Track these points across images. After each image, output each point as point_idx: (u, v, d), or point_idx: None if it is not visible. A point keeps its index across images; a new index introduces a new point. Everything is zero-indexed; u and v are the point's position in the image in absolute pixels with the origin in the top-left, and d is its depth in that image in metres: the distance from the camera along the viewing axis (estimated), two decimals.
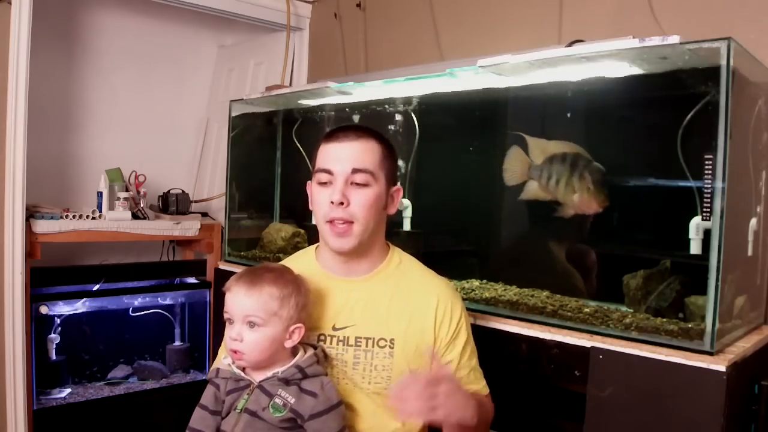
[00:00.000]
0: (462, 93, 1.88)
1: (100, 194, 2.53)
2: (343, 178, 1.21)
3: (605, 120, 1.70)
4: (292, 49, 2.94)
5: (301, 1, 2.94)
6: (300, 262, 1.34)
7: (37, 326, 2.40)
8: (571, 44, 1.58)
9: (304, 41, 2.99)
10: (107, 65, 2.98)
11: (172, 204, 2.79)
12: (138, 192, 2.69)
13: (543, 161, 1.64)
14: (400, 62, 2.37)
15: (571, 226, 1.64)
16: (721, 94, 1.20)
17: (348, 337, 1.25)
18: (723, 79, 1.20)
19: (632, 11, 1.82)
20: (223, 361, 1.21)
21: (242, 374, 1.18)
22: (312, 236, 2.29)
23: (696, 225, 1.37)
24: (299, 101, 2.38)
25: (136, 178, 2.74)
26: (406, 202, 1.99)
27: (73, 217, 2.39)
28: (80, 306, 2.56)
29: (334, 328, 1.26)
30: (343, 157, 1.22)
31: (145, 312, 2.76)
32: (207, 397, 1.19)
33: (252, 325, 1.15)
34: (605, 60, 1.44)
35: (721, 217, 1.22)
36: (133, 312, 2.73)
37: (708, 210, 1.33)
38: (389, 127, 2.15)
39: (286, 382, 1.15)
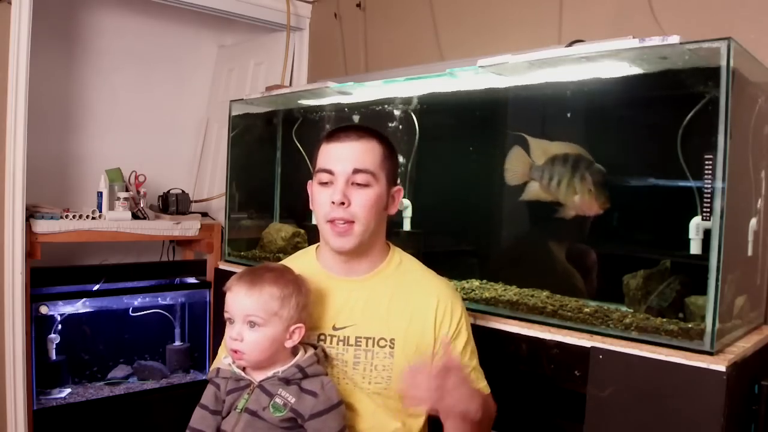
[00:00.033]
0: (462, 93, 1.88)
1: (100, 194, 2.53)
2: (344, 178, 1.21)
3: (605, 120, 1.70)
4: (292, 49, 2.94)
5: (301, 1, 2.94)
6: (300, 261, 1.34)
7: (37, 326, 2.40)
8: (571, 44, 1.58)
9: (304, 41, 2.99)
10: (107, 65, 2.98)
11: (172, 204, 2.79)
12: (138, 192, 2.69)
13: (545, 162, 1.64)
14: (400, 62, 2.37)
15: (571, 226, 1.64)
16: (721, 94, 1.20)
17: (348, 337, 1.25)
18: (723, 79, 1.20)
19: (632, 11, 1.82)
20: (223, 360, 1.21)
21: (242, 374, 1.18)
22: (312, 236, 2.29)
23: (696, 225, 1.37)
24: (299, 101, 2.38)
25: (136, 178, 2.74)
26: (406, 202, 1.99)
27: (73, 217, 2.39)
28: (80, 306, 2.56)
29: (334, 328, 1.26)
30: (344, 157, 1.22)
31: (145, 312, 2.76)
32: (207, 396, 1.19)
33: (252, 324, 1.15)
34: (605, 60, 1.44)
35: (721, 217, 1.22)
36: (133, 312, 2.73)
37: (708, 210, 1.33)
38: (389, 126, 2.15)
39: (286, 381, 1.15)
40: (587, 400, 1.33)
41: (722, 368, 1.17)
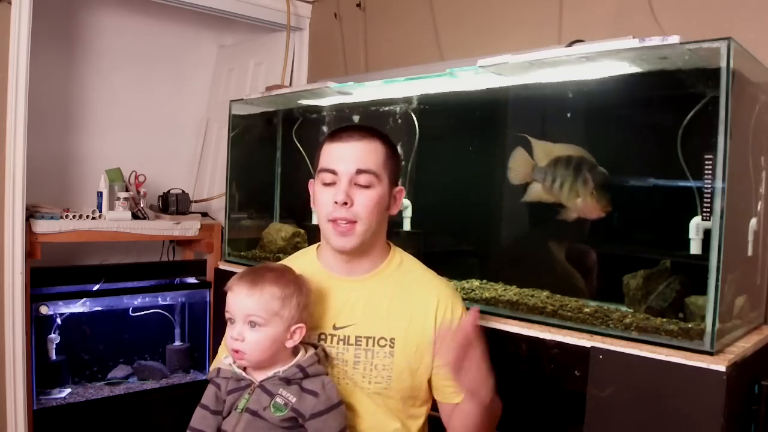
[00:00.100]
0: (462, 93, 1.88)
1: (100, 194, 2.53)
2: (347, 178, 1.22)
3: (605, 120, 1.70)
4: (292, 49, 2.94)
5: (301, 1, 2.95)
6: (301, 261, 1.34)
7: (37, 326, 2.40)
8: (571, 44, 1.58)
9: (304, 41, 2.99)
10: (107, 65, 2.98)
11: (172, 204, 2.79)
12: (138, 192, 2.69)
13: (547, 163, 1.64)
14: (400, 62, 2.37)
15: (571, 226, 1.64)
16: (721, 95, 1.20)
17: (348, 337, 1.25)
18: (723, 79, 1.20)
19: (632, 11, 1.82)
20: (224, 360, 1.21)
21: (243, 374, 1.18)
22: (312, 236, 2.29)
23: (696, 225, 1.37)
24: (299, 101, 2.38)
25: (136, 178, 2.74)
26: (406, 202, 1.99)
27: (73, 217, 2.39)
28: (80, 306, 2.56)
29: (334, 327, 1.26)
30: (347, 158, 1.23)
31: (145, 312, 2.76)
32: (208, 396, 1.19)
33: (253, 324, 1.15)
34: (605, 60, 1.44)
35: (721, 217, 1.22)
36: (133, 312, 2.73)
37: (708, 210, 1.33)
38: (389, 126, 2.15)
39: (287, 381, 1.15)
40: (587, 400, 1.33)
41: (722, 368, 1.17)
